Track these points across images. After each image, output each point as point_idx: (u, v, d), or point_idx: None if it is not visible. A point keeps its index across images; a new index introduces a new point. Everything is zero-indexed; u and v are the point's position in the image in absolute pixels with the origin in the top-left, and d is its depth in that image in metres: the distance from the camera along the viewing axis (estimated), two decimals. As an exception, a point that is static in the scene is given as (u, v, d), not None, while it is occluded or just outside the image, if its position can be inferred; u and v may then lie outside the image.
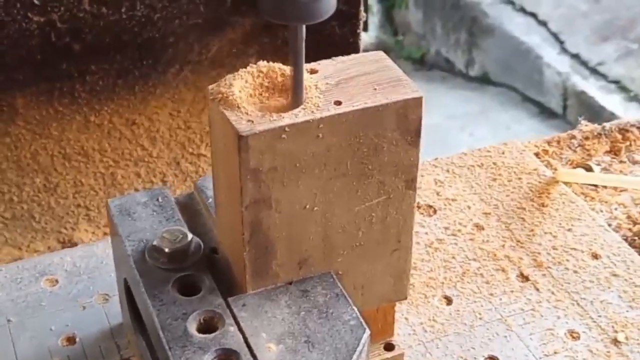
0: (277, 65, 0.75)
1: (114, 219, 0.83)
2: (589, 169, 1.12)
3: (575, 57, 3.85)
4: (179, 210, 0.85)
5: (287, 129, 0.69)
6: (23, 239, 1.06)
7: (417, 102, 0.73)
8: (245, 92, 0.73)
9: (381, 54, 0.78)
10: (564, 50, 3.90)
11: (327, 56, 1.09)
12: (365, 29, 4.24)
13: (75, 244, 1.05)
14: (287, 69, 0.75)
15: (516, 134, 3.66)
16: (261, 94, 0.73)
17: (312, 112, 0.70)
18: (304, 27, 0.69)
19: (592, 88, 3.70)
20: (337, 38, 1.10)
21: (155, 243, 0.79)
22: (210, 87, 0.73)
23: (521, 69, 3.93)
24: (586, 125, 1.19)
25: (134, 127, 1.08)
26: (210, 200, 0.84)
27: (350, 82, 0.74)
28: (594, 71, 3.79)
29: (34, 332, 0.90)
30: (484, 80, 4.10)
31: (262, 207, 0.72)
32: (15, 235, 1.06)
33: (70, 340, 0.90)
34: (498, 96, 4.00)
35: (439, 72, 4.25)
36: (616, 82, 3.73)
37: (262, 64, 0.75)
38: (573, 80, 3.74)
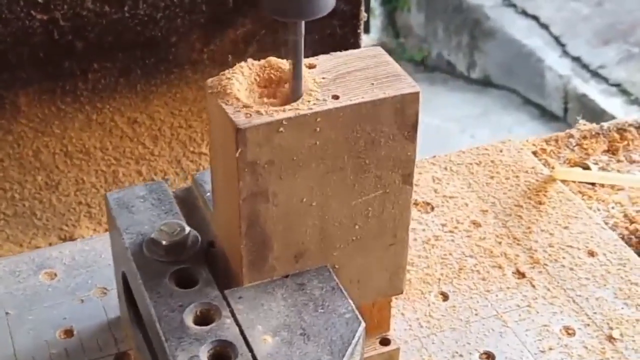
0: (275, 60, 0.75)
1: (113, 212, 0.84)
2: (586, 168, 1.13)
3: (577, 60, 3.86)
4: (177, 204, 0.85)
5: (284, 122, 0.70)
6: (24, 235, 1.06)
7: (414, 97, 0.73)
8: (243, 85, 0.73)
9: (379, 49, 0.78)
10: (565, 53, 3.91)
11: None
12: (367, 31, 4.24)
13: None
14: (285, 63, 0.76)
15: (517, 136, 3.65)
16: (259, 88, 0.74)
17: (310, 106, 0.71)
18: (303, 23, 0.70)
19: (593, 91, 3.71)
20: (338, 38, 1.11)
21: (153, 236, 0.79)
22: (209, 80, 0.74)
23: (522, 71, 3.94)
24: (584, 125, 1.19)
25: (136, 125, 1.08)
26: (209, 194, 0.85)
27: (348, 77, 0.74)
28: (595, 74, 3.79)
29: (32, 324, 0.90)
30: (486, 82, 4.11)
31: (259, 200, 0.73)
32: (16, 232, 1.06)
33: (68, 333, 0.90)
34: (499, 99, 4.01)
35: (441, 75, 4.26)
36: (617, 85, 3.73)
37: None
38: (574, 84, 3.75)
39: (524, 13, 4.13)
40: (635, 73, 3.77)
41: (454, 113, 3.80)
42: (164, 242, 0.79)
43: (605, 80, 3.77)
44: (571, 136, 1.17)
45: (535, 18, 4.09)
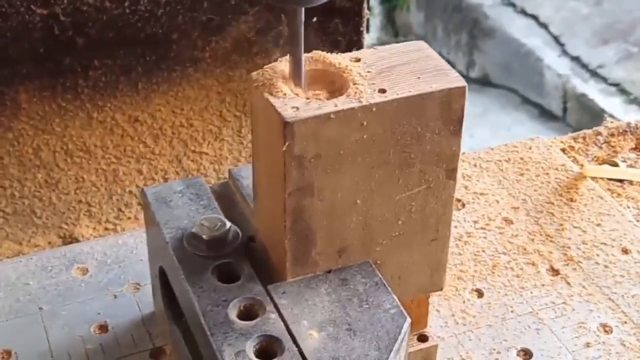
0: (320, 53, 0.75)
1: (151, 206, 0.83)
2: (614, 166, 1.12)
3: (576, 59, 3.86)
4: (214, 199, 0.84)
5: (332, 116, 0.69)
6: (24, 234, 1.05)
7: (461, 91, 0.73)
8: (288, 78, 0.73)
9: (422, 43, 0.78)
10: (564, 52, 3.91)
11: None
12: (367, 29, 4.24)
13: (76, 239, 1.05)
14: (331, 57, 0.75)
15: (516, 135, 3.66)
16: (306, 81, 0.73)
17: (357, 99, 0.70)
18: (302, 10, 0.69)
19: (592, 91, 3.71)
20: (341, 35, 1.10)
21: (194, 230, 0.79)
22: (253, 73, 0.73)
23: (522, 71, 3.94)
24: (611, 122, 1.19)
25: (137, 124, 1.07)
26: (247, 189, 0.84)
27: (393, 71, 0.74)
28: (594, 74, 3.79)
29: (66, 320, 0.90)
30: (485, 82, 4.11)
31: (304, 195, 0.72)
32: (16, 230, 1.05)
33: (103, 328, 0.89)
34: (498, 98, 4.00)
35: (440, 74, 4.24)
36: (616, 84, 3.73)
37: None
38: (573, 83, 3.75)
39: (523, 12, 4.13)
40: (634, 72, 3.77)
41: (453, 112, 3.79)
42: (205, 237, 0.78)
43: (604, 79, 3.78)
44: (599, 134, 1.17)
45: (534, 17, 4.09)
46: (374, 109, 0.70)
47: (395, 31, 4.54)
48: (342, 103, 0.70)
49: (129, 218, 1.09)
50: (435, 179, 0.76)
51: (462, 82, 0.73)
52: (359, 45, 1.12)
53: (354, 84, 0.72)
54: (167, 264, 0.80)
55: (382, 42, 4.40)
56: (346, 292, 0.75)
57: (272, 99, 0.70)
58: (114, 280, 0.95)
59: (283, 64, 0.73)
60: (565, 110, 3.78)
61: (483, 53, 4.11)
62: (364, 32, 1.13)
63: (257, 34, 1.07)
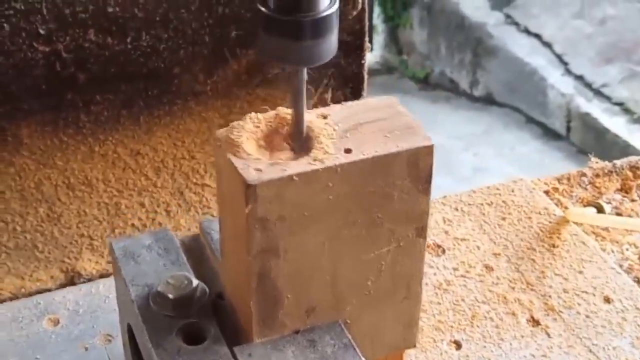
0: (284, 110, 0.73)
1: (118, 261, 0.82)
2: (599, 208, 1.10)
3: (580, 78, 3.85)
4: (183, 253, 0.83)
5: (295, 177, 0.68)
6: (26, 268, 1.05)
7: (428, 150, 0.72)
8: (253, 138, 0.72)
9: (393, 99, 0.76)
10: (568, 71, 3.90)
11: (331, 86, 1.09)
12: (370, 48, 4.24)
13: (79, 274, 1.04)
14: (297, 115, 0.74)
15: (520, 154, 3.66)
16: (270, 141, 0.72)
17: (322, 160, 0.69)
18: (305, 70, 0.68)
19: (596, 110, 3.70)
20: (342, 69, 1.09)
21: (159, 289, 0.77)
22: (218, 132, 0.72)
23: (525, 90, 3.93)
24: (597, 163, 1.17)
25: (138, 157, 1.07)
26: (217, 243, 0.83)
27: (360, 129, 0.72)
28: (598, 93, 3.79)
29: (35, 374, 0.89)
30: (488, 100, 4.10)
31: (269, 256, 0.71)
32: (18, 265, 1.05)
33: (72, 383, 0.88)
34: (502, 117, 4.00)
35: (443, 92, 4.25)
36: (620, 104, 3.73)
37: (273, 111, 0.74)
38: (577, 102, 3.74)
39: (527, 31, 4.13)
40: (638, 91, 3.76)
41: (457, 131, 3.80)
42: (171, 296, 0.77)
43: (608, 98, 3.77)
44: (584, 175, 1.15)
45: (537, 36, 4.09)
46: (338, 170, 0.69)
47: (398, 49, 4.53)
48: (305, 165, 0.69)
49: (132, 252, 1.08)
50: (404, 238, 0.75)
51: (429, 142, 0.72)
52: (360, 79, 1.12)
53: (319, 143, 0.71)
54: (134, 322, 0.79)
55: (385, 60, 4.40)
56: (314, 354, 0.74)
57: (234, 160, 0.69)
58: (86, 332, 0.93)
59: (246, 122, 0.72)
60: (569, 129, 3.77)
61: (487, 72, 4.11)
62: (365, 64, 1.12)
63: (258, 67, 1.06)
